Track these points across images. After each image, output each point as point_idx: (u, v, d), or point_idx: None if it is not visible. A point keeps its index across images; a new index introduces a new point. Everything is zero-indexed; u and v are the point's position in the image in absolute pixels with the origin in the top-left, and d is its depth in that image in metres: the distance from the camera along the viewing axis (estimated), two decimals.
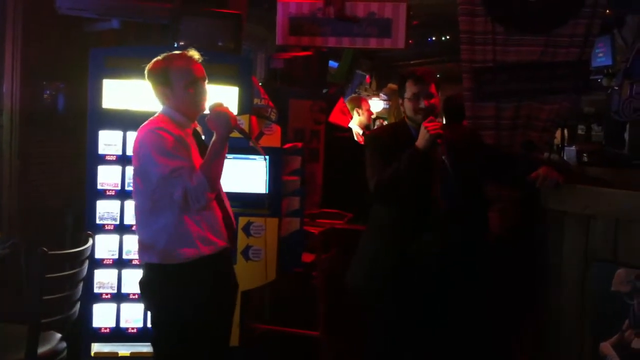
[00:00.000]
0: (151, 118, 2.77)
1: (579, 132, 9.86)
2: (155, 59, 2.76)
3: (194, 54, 2.77)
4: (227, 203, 2.92)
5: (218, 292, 2.78)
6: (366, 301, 3.22)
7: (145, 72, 2.76)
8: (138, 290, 3.48)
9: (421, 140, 2.90)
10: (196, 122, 2.86)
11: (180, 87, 2.70)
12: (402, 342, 3.12)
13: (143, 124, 2.74)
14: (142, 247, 2.78)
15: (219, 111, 2.69)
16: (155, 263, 2.74)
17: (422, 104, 3.01)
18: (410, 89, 3.04)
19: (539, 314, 3.30)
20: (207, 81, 2.78)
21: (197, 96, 2.73)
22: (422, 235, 2.98)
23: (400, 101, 3.14)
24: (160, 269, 2.74)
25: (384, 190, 2.99)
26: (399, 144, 3.03)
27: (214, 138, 2.69)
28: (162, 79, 2.72)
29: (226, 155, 2.72)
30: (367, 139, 3.23)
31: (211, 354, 2.82)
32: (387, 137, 3.18)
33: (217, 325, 2.81)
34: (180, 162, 2.60)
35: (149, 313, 2.91)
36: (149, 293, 2.82)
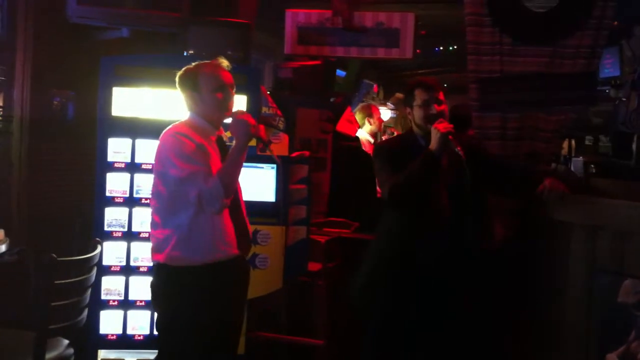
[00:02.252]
0: (176, 123, 2.84)
1: (587, 143, 9.80)
2: (186, 66, 2.86)
3: (223, 61, 2.87)
4: (245, 213, 2.97)
5: (221, 299, 2.81)
6: (365, 303, 3.22)
7: (177, 77, 2.85)
8: (145, 297, 3.51)
9: (434, 143, 2.92)
10: (222, 129, 2.93)
11: (208, 91, 2.80)
12: (400, 345, 3.13)
13: (167, 128, 2.82)
14: (154, 247, 2.84)
15: (240, 119, 2.77)
16: (162, 263, 2.80)
17: (433, 109, 3.03)
18: (419, 97, 3.07)
19: (539, 324, 3.30)
20: (235, 89, 2.86)
21: (224, 102, 2.81)
22: (426, 241, 2.99)
23: (408, 110, 3.14)
24: (166, 270, 2.80)
25: (399, 193, 2.98)
26: (408, 155, 3.05)
27: (233, 144, 2.76)
28: (191, 84, 2.81)
29: (244, 162, 2.78)
30: (375, 150, 3.24)
31: None
32: (396, 147, 3.20)
33: (221, 332, 2.84)
34: (197, 166, 2.67)
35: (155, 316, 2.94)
36: (155, 294, 2.87)
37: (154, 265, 2.88)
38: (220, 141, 2.92)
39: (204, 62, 2.86)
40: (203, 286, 2.75)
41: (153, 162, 2.84)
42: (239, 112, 2.80)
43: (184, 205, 2.71)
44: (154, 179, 2.84)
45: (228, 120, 2.85)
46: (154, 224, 2.85)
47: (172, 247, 2.74)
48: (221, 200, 2.65)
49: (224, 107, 2.81)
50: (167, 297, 2.81)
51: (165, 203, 2.78)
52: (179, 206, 2.72)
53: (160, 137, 2.80)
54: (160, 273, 2.83)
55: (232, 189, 2.73)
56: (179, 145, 2.70)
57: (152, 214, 2.86)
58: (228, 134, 2.95)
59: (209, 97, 2.80)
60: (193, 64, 2.86)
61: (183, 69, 2.86)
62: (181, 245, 2.73)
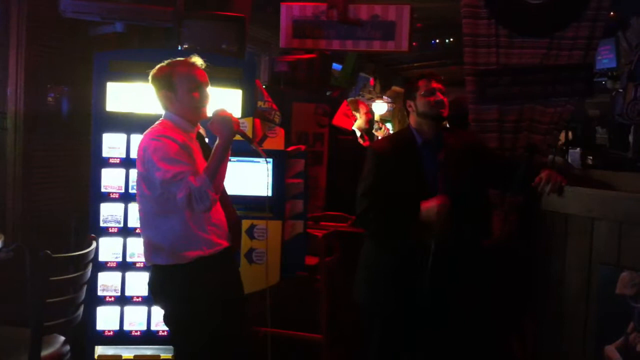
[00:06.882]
0: (154, 125, 2.81)
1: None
2: (159, 65, 2.82)
3: (197, 60, 2.84)
4: (231, 204, 2.99)
5: (224, 291, 2.85)
6: (367, 301, 3.21)
7: (150, 77, 2.82)
8: (142, 293, 3.49)
9: (429, 217, 2.89)
10: (199, 125, 2.92)
11: (184, 91, 2.77)
12: (402, 343, 3.12)
13: (147, 131, 2.79)
14: (150, 249, 2.83)
15: (222, 116, 2.74)
16: (163, 264, 2.79)
17: (437, 96, 3.07)
18: (423, 86, 3.10)
19: (538, 317, 3.30)
20: (209, 87, 2.85)
21: (201, 100, 2.80)
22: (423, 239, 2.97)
23: (409, 103, 3.14)
24: (168, 269, 2.79)
25: (366, 225, 3.15)
26: (402, 155, 3.07)
27: (217, 142, 2.73)
28: (167, 84, 2.78)
29: (229, 159, 2.76)
30: (368, 152, 3.23)
31: (224, 351, 2.87)
32: (389, 149, 3.16)
33: (226, 323, 2.85)
34: (183, 166, 2.65)
35: (162, 313, 2.94)
36: (162, 294, 2.86)
37: (150, 265, 2.88)
38: (200, 137, 2.92)
39: (177, 60, 2.83)
40: (202, 280, 2.77)
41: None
42: (220, 110, 2.77)
43: (174, 207, 2.67)
44: (138, 181, 2.81)
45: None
46: (146, 226, 2.83)
47: (168, 248, 2.75)
48: (211, 198, 2.64)
49: (201, 106, 2.80)
50: (171, 295, 2.82)
51: (155, 207, 2.76)
52: (170, 208, 2.70)
53: (141, 140, 2.77)
54: (160, 273, 2.83)
55: (220, 186, 2.74)
56: (162, 147, 2.68)
57: (142, 216, 2.84)
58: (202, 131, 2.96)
59: (185, 97, 2.78)
60: (165, 62, 2.83)
61: (156, 67, 2.83)
62: (176, 245, 2.74)
